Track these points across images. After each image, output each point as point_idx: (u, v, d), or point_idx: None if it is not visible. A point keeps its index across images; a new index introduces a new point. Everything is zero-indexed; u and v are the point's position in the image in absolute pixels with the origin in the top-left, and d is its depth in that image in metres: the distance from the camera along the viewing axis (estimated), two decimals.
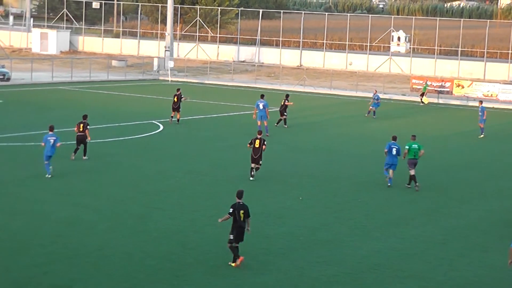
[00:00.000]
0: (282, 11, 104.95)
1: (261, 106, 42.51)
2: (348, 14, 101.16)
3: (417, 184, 31.27)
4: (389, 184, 31.82)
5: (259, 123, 42.47)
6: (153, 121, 46.12)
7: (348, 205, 28.50)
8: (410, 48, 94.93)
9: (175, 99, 45.90)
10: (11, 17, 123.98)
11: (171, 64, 78.27)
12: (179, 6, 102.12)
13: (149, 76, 78.94)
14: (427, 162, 37.46)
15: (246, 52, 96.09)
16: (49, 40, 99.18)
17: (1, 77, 65.33)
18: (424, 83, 66.65)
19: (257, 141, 32.14)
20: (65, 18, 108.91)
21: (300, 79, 75.88)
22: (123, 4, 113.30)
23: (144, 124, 45.36)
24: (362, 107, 59.23)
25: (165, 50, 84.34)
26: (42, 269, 20.02)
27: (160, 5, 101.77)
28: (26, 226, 23.82)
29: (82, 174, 31.52)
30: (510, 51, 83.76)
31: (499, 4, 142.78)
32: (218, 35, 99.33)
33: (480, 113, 46.96)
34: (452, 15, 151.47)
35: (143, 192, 28.99)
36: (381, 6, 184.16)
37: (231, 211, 20.90)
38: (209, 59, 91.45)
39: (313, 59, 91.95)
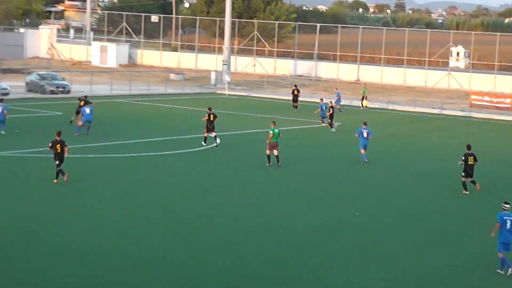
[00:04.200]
0: (339, 25, 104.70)
1: (87, 111, 44.31)
2: (407, 29, 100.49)
3: (279, 163, 36.56)
4: (365, 160, 38.75)
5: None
6: (210, 135, 46.19)
7: (404, 220, 28.18)
8: (469, 63, 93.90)
9: None
10: (71, 31, 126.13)
11: (228, 77, 78.51)
12: (237, 20, 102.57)
13: (207, 90, 79.25)
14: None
15: (303, 67, 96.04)
16: (108, 53, 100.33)
17: (61, 89, 66.21)
18: (362, 88, 69.14)
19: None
20: (124, 31, 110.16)
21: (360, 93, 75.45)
22: (181, 18, 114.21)
23: (201, 137, 45.47)
24: (421, 122, 58.93)
25: (223, 64, 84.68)
26: (98, 279, 20.14)
27: (218, 19, 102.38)
28: (85, 232, 23.98)
29: (138, 184, 31.73)
30: None
31: None
32: (275, 49, 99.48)
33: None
34: None
35: (197, 204, 29.05)
36: (440, 21, 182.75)
37: (50, 145, 30.85)
38: (266, 73, 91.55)
39: (371, 73, 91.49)
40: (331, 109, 51.53)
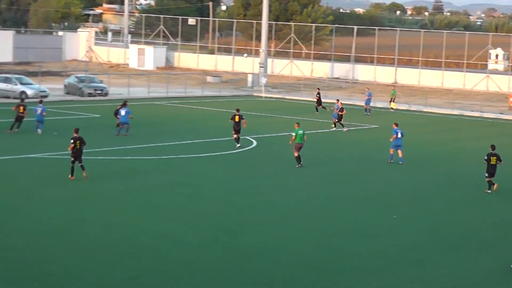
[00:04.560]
0: (377, 28, 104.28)
1: (122, 113, 44.96)
2: (445, 31, 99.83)
3: (301, 163, 37.07)
4: (400, 163, 38.84)
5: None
6: (247, 137, 46.21)
7: (442, 225, 27.96)
8: (508, 65, 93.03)
9: None
10: (109, 34, 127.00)
11: (265, 80, 78.53)
12: (274, 22, 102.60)
13: (243, 92, 79.35)
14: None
15: (340, 69, 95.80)
16: (146, 56, 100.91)
17: (99, 92, 66.68)
18: (392, 90, 69.32)
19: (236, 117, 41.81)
20: (161, 34, 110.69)
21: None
22: (218, 21, 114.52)
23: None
24: (458, 124, 58.47)
25: (259, 67, 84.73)
26: (135, 281, 20.20)
27: (254, 21, 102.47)
28: (120, 234, 24.07)
29: (174, 188, 31.79)
30: None
31: None
32: (312, 52, 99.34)
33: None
34: None
35: (234, 207, 29.05)
36: (478, 23, 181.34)
37: (72, 141, 31.22)
38: (303, 76, 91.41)
39: (408, 76, 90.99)
40: (341, 110, 52.34)
